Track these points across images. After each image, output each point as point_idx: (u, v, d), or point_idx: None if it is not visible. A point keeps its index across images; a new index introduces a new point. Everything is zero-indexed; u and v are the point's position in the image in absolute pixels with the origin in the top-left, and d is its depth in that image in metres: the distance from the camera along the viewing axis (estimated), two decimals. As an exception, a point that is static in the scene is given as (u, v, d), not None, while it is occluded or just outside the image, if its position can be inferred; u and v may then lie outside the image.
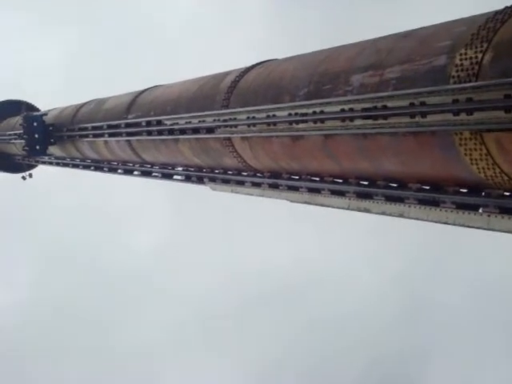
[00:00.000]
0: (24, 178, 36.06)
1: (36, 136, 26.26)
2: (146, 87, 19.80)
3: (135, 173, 21.46)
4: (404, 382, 51.38)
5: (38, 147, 26.40)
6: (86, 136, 21.81)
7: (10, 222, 57.85)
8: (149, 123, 16.95)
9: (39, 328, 53.52)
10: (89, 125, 21.48)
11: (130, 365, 52.70)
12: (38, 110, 35.46)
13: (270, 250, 54.41)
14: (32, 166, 35.66)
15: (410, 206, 9.79)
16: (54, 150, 26.98)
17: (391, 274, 51.68)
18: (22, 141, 27.24)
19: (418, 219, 9.67)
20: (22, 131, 27.01)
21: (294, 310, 52.92)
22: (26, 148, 26.87)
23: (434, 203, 9.37)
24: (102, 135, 20.40)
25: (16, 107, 35.08)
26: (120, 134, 18.92)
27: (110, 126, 19.65)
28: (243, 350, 52.88)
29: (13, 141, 30.59)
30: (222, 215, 52.97)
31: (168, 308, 54.73)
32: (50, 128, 25.84)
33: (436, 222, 9.34)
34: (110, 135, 19.71)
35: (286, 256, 53.42)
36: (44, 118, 26.73)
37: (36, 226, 59.70)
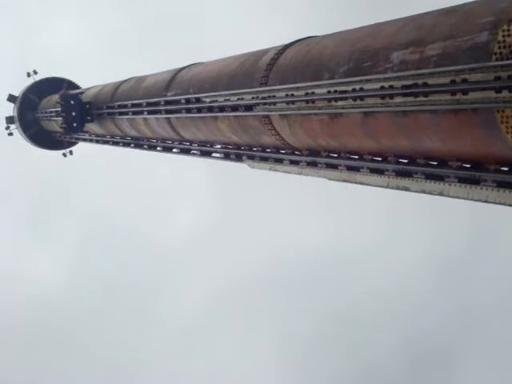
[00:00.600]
0: (65, 154, 36.68)
1: (73, 114, 27.26)
2: (184, 65, 19.84)
3: (174, 150, 21.57)
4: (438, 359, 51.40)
5: (75, 124, 27.40)
6: (126, 113, 21.98)
7: (54, 198, 59.22)
8: (188, 101, 17.00)
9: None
10: (128, 102, 21.65)
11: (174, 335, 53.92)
12: (78, 87, 35.84)
13: (307, 228, 54.73)
14: (72, 144, 36.09)
15: (450, 185, 9.70)
16: (93, 127, 27.26)
17: (428, 254, 51.69)
18: (60, 118, 28.19)
19: (457, 197, 9.58)
20: (59, 109, 28.08)
21: (332, 286, 53.27)
22: (64, 125, 27.97)
23: (475, 181, 9.27)
24: (141, 112, 20.53)
25: (58, 85, 35.61)
26: (159, 112, 19.04)
27: (149, 104, 19.79)
28: (282, 323, 53.59)
29: (53, 118, 31.24)
30: (260, 192, 53.30)
31: (205, 284, 55.55)
32: (87, 106, 26.64)
33: (476, 200, 9.24)
34: (150, 112, 19.84)
35: (321, 234, 53.75)
36: (81, 96, 27.62)
37: (78, 201, 60.95)
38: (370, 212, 50.72)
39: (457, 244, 50.84)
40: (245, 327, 54.42)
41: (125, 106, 22.01)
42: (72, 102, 27.31)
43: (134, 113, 21.17)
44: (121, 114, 22.64)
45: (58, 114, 29.05)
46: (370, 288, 51.65)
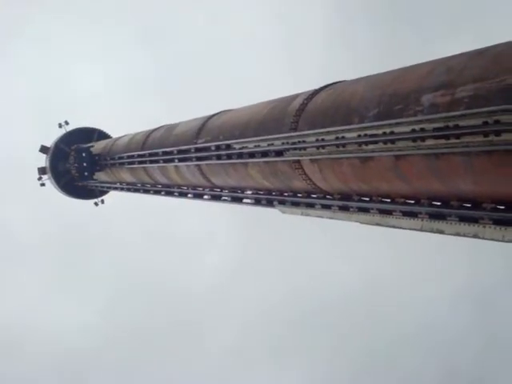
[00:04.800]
0: (96, 203, 37.08)
1: (84, 164, 32.23)
2: (214, 112, 20.01)
3: (205, 197, 21.64)
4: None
5: (86, 174, 32.23)
6: (157, 162, 22.16)
7: (85, 245, 59.89)
8: (218, 147, 17.11)
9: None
10: (159, 150, 21.81)
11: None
12: (109, 136, 36.65)
13: (334, 266, 55.19)
14: (104, 193, 36.49)
15: (484, 227, 9.60)
16: (125, 176, 27.52)
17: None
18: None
19: (493, 240, 9.46)
20: (73, 161, 32.99)
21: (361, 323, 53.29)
22: (77, 174, 32.93)
23: (510, 223, 9.16)
24: (172, 160, 20.67)
25: (89, 134, 37.10)
26: (190, 159, 19.15)
27: (180, 151, 19.92)
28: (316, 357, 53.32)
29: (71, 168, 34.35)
30: (286, 235, 53.76)
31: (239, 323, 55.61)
32: (96, 157, 31.12)
33: (512, 241, 9.13)
34: (180, 160, 19.97)
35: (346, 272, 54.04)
36: (91, 148, 32.25)
37: (108, 250, 61.53)
38: (399, 249, 50.88)
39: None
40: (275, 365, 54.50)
41: (156, 154, 22.20)
42: (83, 154, 32.17)
43: (165, 161, 21.33)
44: (152, 162, 22.83)
45: (71, 165, 33.67)
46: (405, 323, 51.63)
